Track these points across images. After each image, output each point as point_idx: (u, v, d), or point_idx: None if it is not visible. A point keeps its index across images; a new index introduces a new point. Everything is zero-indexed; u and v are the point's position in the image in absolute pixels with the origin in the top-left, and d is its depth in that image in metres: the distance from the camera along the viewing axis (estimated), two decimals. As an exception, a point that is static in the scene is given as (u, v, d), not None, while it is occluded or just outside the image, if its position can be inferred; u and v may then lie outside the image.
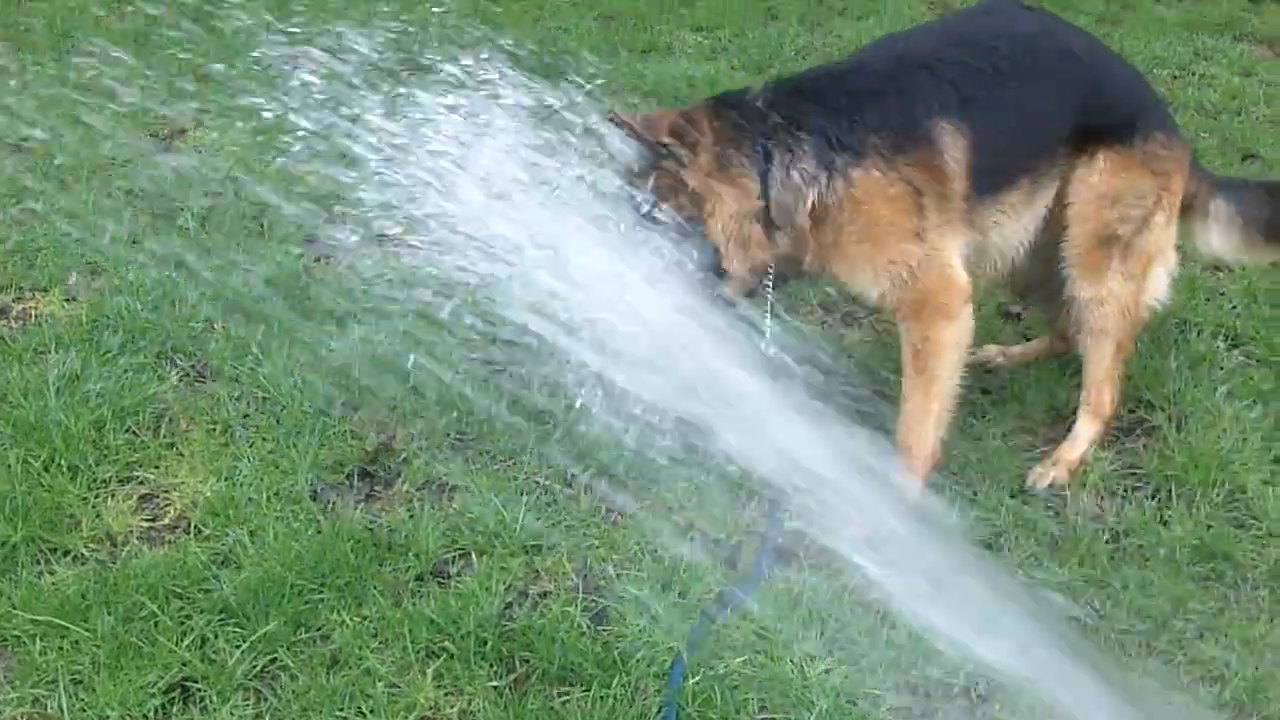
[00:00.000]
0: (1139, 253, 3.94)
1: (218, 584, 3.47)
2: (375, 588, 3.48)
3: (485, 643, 3.30)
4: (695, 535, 3.73)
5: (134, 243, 5.31)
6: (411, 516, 3.76)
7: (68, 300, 4.92)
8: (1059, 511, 3.85)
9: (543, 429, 4.11)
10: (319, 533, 3.66)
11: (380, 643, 3.33)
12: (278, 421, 4.12)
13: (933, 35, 4.22)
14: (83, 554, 3.63)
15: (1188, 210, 4.12)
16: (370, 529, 3.71)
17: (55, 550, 3.64)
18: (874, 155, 3.62)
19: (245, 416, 4.17)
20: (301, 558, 3.53)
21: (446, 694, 3.21)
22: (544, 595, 3.50)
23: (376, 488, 3.94)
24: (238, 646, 3.28)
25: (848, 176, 3.60)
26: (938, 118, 3.66)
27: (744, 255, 3.65)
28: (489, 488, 3.86)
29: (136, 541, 3.68)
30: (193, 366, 4.45)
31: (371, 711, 3.14)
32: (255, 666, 3.26)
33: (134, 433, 4.08)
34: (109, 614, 3.35)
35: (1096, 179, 3.86)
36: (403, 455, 4.04)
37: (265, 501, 3.80)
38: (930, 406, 3.79)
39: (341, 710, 3.15)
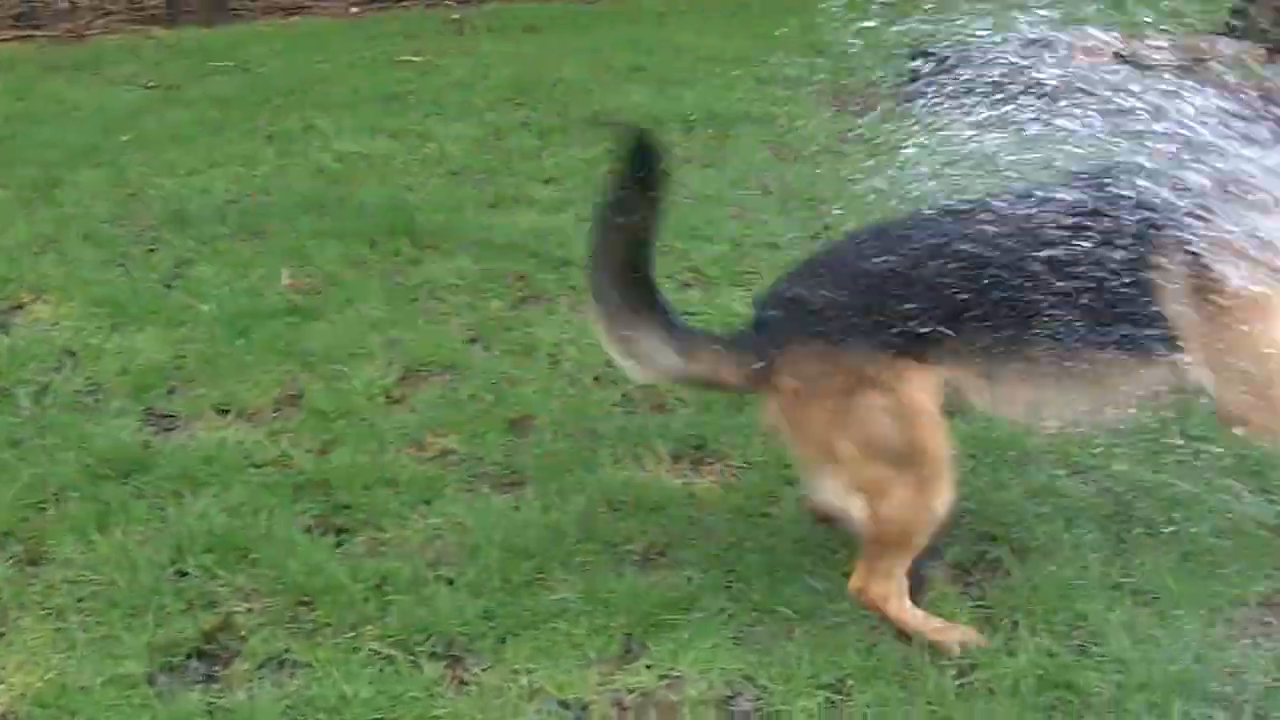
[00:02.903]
0: None
1: (46, 784, 3.35)
2: (212, 778, 3.38)
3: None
4: (543, 699, 3.67)
5: (-37, 423, 5.18)
6: (250, 698, 3.65)
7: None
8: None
9: (383, 598, 4.04)
10: (154, 720, 3.55)
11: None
12: (113, 603, 4.00)
13: None
14: (-98, 758, 3.49)
15: None
16: (209, 713, 3.61)
17: (-124, 757, 3.49)
18: None
19: (80, 600, 4.04)
20: (135, 750, 3.42)
21: None
22: (387, 773, 3.42)
23: (215, 668, 3.82)
24: None
25: None
26: None
27: None
28: (330, 661, 3.77)
29: (-38, 742, 3.55)
30: (25, 551, 4.31)
31: None
32: None
33: (-37, 624, 3.95)
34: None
35: None
36: (242, 632, 3.93)
37: (99, 689, 3.67)
38: None
39: None
